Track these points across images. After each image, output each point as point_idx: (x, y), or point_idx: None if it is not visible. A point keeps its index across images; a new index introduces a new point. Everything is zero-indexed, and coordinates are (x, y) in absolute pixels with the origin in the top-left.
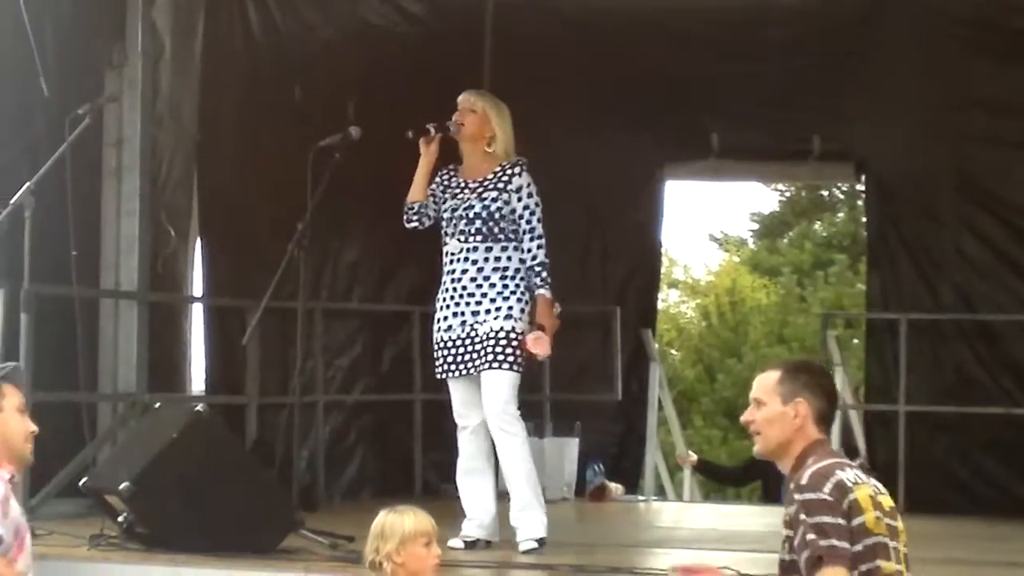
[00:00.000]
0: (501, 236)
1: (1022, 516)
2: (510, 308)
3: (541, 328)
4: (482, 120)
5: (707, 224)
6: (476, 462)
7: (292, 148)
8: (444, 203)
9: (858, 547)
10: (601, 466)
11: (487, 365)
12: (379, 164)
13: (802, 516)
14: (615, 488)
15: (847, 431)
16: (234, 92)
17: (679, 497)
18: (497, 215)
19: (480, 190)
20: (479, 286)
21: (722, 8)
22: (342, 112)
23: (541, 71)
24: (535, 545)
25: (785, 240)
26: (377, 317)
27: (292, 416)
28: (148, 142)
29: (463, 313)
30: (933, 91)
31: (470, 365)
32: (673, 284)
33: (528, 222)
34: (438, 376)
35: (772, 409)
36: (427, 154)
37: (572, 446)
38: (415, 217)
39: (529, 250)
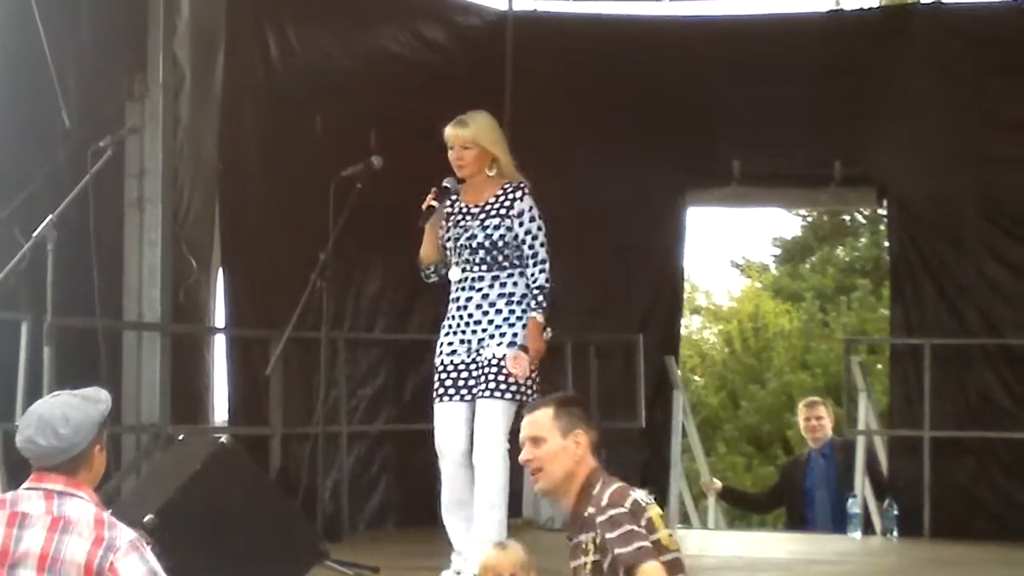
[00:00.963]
0: (506, 264)
1: None
2: (515, 335)
3: (525, 350)
4: (479, 154)
5: (729, 250)
6: (463, 494)
7: (314, 178)
8: (447, 230)
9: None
10: None
11: (485, 392)
12: (401, 193)
13: (607, 535)
14: None
15: (872, 457)
16: (255, 122)
17: (704, 525)
18: (500, 243)
19: (483, 216)
20: (485, 313)
21: (743, 35)
22: (364, 141)
23: (562, 98)
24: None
25: (807, 265)
26: (400, 347)
27: (316, 446)
28: (169, 173)
29: (469, 341)
30: (955, 114)
31: (473, 390)
32: (696, 310)
33: (531, 247)
34: (436, 400)
35: (553, 444)
36: (433, 221)
37: None
38: (433, 275)
39: (532, 274)
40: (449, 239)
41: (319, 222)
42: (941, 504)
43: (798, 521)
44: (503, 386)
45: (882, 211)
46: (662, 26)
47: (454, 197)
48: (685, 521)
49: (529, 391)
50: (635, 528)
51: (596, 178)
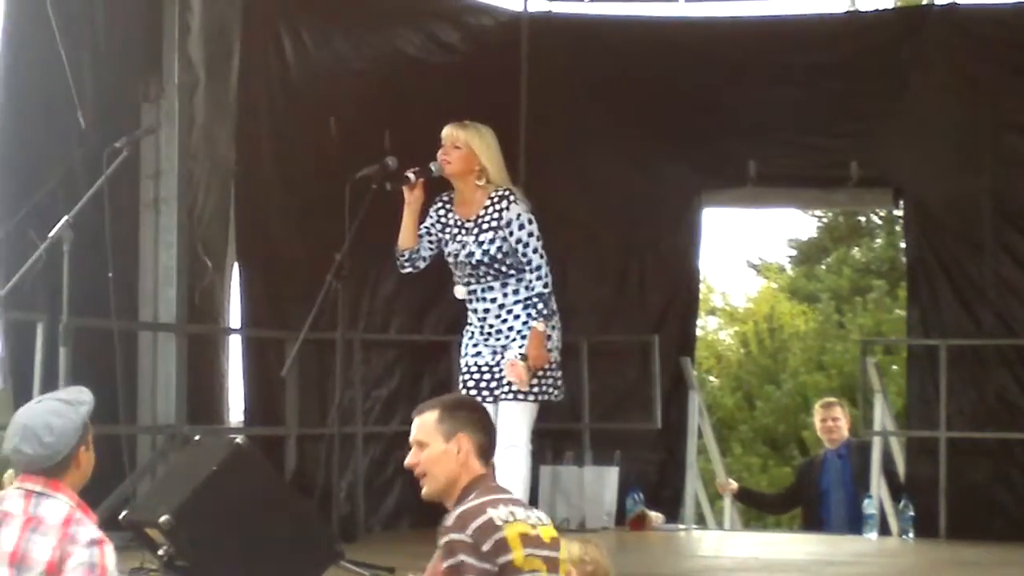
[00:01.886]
0: (511, 272)
1: None
2: None
3: (524, 357)
4: (467, 156)
5: (745, 251)
6: None
7: (328, 179)
8: (446, 244)
9: None
10: (641, 495)
11: (506, 395)
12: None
13: (442, 563)
14: (655, 517)
15: (888, 458)
16: (271, 124)
17: (719, 525)
18: (499, 255)
19: (476, 231)
20: (503, 320)
21: (759, 35)
22: (378, 143)
23: (577, 100)
24: None
25: (823, 266)
26: (415, 347)
27: (331, 447)
28: (185, 174)
29: (493, 345)
30: (971, 115)
31: (495, 392)
32: (711, 311)
33: (524, 255)
34: None
35: (435, 448)
36: (412, 200)
37: (612, 475)
38: (408, 264)
39: (529, 282)
40: (450, 255)
41: (334, 223)
42: (957, 505)
43: (814, 522)
44: (531, 389)
45: (898, 212)
46: (677, 27)
47: (448, 205)
48: (701, 522)
49: (553, 390)
50: (466, 560)
51: (612, 179)
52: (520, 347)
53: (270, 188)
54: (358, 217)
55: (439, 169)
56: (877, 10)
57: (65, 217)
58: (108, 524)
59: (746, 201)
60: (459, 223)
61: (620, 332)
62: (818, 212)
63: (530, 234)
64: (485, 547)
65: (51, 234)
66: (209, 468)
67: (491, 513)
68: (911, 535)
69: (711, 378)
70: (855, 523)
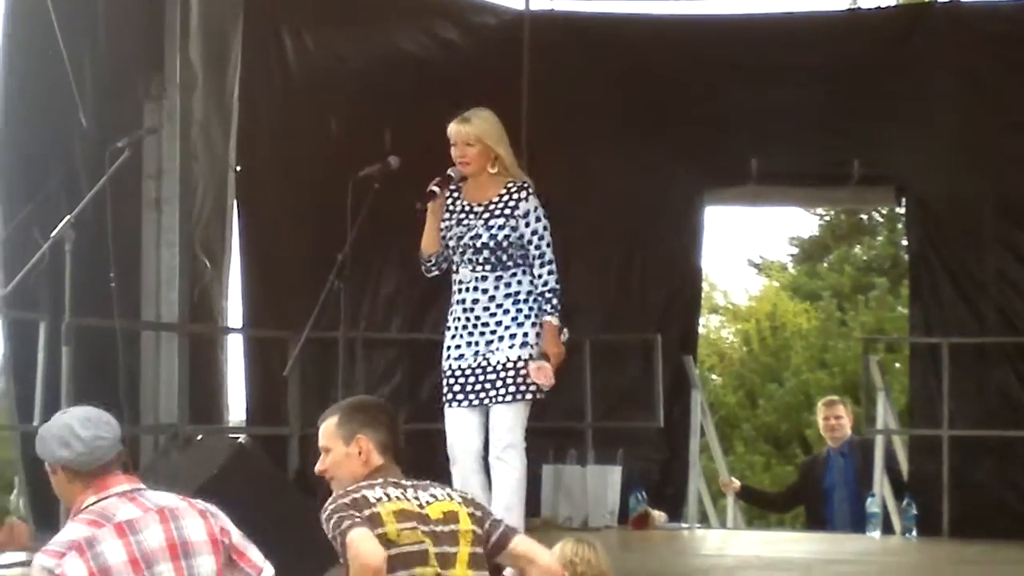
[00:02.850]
0: (511, 263)
1: None
2: (525, 335)
3: (545, 356)
4: (482, 151)
5: (747, 249)
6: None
7: (329, 178)
8: (449, 229)
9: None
10: (644, 493)
11: (500, 398)
12: (417, 193)
13: (325, 530)
14: (658, 516)
15: (891, 456)
16: (272, 123)
17: (722, 524)
18: (505, 243)
19: (487, 216)
20: (492, 314)
21: (761, 34)
22: (379, 142)
23: (579, 98)
24: None
25: (825, 264)
26: (416, 346)
27: None
28: (187, 174)
29: (477, 343)
30: (973, 113)
31: (482, 395)
32: (714, 310)
33: (537, 247)
34: (446, 405)
35: (338, 452)
36: (435, 208)
37: (615, 474)
38: (434, 268)
39: (540, 276)
40: (452, 237)
41: (336, 222)
42: (960, 503)
43: (817, 520)
44: (522, 388)
45: (900, 209)
46: (679, 25)
47: (456, 194)
48: (704, 521)
49: (537, 389)
50: (345, 515)
51: (614, 177)
52: (509, 346)
53: (272, 188)
54: (360, 216)
55: (459, 173)
56: (879, 7)
57: (67, 216)
58: None
59: (748, 199)
60: (467, 208)
61: (622, 331)
62: (820, 210)
63: (545, 227)
64: (364, 514)
65: (53, 234)
66: (212, 468)
67: (365, 492)
68: (914, 533)
69: (713, 376)
70: (858, 521)
